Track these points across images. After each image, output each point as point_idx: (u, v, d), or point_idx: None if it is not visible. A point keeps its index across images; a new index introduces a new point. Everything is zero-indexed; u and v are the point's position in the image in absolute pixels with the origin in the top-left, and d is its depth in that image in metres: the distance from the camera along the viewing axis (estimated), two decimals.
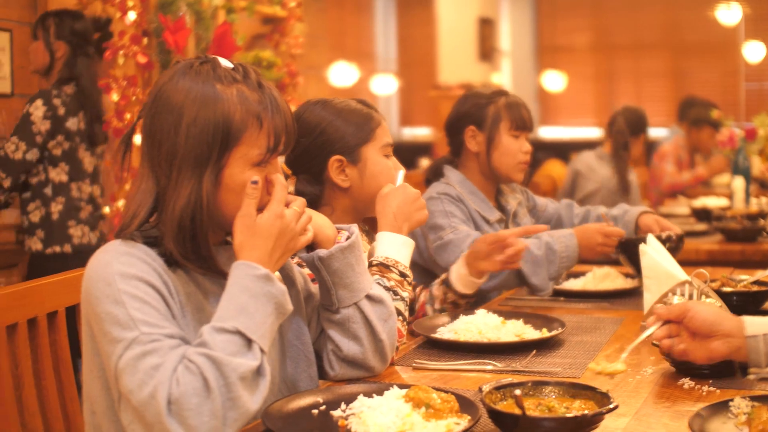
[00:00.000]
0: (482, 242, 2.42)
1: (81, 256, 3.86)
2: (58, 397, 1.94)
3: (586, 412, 1.47)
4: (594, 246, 2.73)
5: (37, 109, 3.71)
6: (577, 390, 1.57)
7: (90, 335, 1.55)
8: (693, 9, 10.53)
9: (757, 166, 6.37)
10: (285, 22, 4.58)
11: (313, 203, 2.20)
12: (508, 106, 2.88)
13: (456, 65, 10.26)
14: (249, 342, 1.47)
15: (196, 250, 1.56)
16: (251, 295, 1.49)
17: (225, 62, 1.62)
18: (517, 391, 1.43)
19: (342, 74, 9.07)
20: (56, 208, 3.83)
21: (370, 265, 2.02)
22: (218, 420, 1.41)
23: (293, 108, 1.95)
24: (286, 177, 2.14)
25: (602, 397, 1.52)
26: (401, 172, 2.22)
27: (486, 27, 10.67)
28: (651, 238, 2.43)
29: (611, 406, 1.46)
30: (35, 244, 3.84)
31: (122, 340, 1.45)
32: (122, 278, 1.49)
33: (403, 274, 2.02)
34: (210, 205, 1.55)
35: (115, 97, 3.35)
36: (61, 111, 3.76)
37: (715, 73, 10.70)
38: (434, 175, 2.95)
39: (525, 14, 11.62)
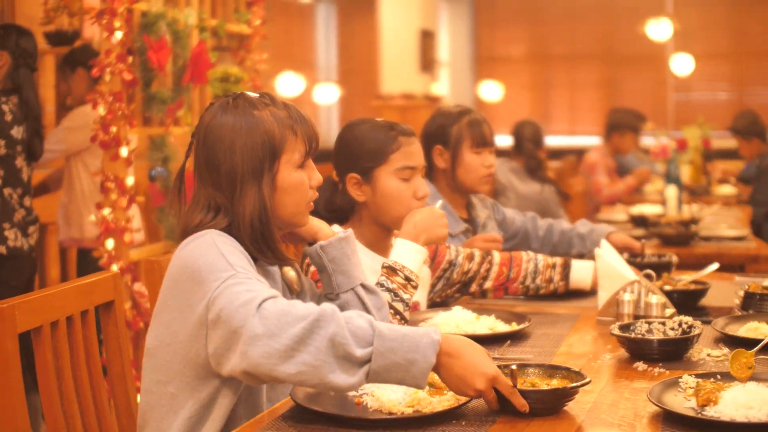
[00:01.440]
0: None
1: (16, 259, 3.83)
2: (89, 386, 2.18)
3: (565, 385, 1.77)
4: None
5: None
6: (554, 370, 1.87)
7: (168, 306, 1.82)
8: (626, 23, 11.02)
9: (687, 174, 6.82)
10: (250, 39, 4.81)
11: (350, 211, 2.52)
12: (470, 125, 3.16)
13: (398, 75, 10.53)
14: (369, 349, 1.64)
15: (266, 243, 1.89)
16: (409, 347, 1.66)
17: (252, 94, 1.95)
18: (513, 367, 1.72)
19: (288, 84, 9.26)
20: None
21: (381, 267, 2.30)
22: (287, 349, 1.61)
23: None
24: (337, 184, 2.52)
25: (576, 375, 1.83)
26: (439, 202, 2.57)
27: (427, 39, 10.99)
28: (605, 243, 2.76)
29: (586, 380, 1.77)
30: None
31: (219, 279, 1.72)
32: (222, 243, 1.80)
33: (408, 278, 2.28)
34: (271, 206, 1.88)
35: (101, 111, 3.55)
36: (8, 117, 3.77)
37: (645, 85, 11.22)
38: None
39: (463, 25, 11.95)
